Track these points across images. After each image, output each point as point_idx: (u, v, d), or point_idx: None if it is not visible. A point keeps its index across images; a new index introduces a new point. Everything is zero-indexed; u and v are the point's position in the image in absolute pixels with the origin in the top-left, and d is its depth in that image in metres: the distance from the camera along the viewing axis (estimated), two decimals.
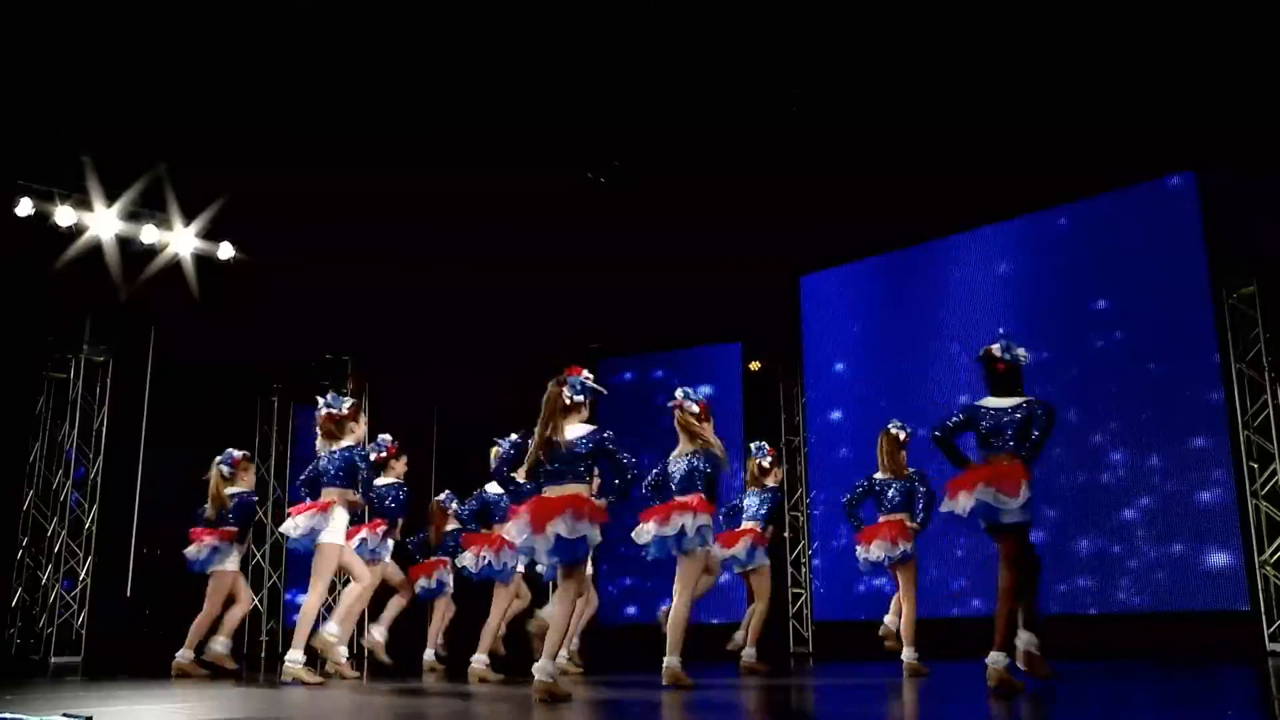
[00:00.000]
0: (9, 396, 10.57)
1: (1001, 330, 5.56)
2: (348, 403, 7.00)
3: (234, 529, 7.92)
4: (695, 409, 6.09)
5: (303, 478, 7.24)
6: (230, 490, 7.96)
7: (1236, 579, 8.32)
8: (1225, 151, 8.43)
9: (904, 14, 7.41)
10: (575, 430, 5.26)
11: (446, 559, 8.13)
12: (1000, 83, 8.14)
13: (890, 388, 10.66)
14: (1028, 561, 5.63)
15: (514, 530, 5.13)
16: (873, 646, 8.00)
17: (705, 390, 6.55)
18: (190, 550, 7.92)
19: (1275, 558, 8.38)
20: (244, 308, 10.81)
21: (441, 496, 8.38)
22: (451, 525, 8.15)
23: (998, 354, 5.33)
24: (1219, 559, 8.43)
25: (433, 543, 8.29)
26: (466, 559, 6.97)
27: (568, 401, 5.29)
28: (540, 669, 4.91)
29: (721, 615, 11.23)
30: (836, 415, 11.20)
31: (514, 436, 6.77)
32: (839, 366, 11.28)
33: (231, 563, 7.94)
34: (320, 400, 6.97)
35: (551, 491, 5.15)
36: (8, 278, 9.62)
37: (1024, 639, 6.01)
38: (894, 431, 7.09)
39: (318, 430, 7.00)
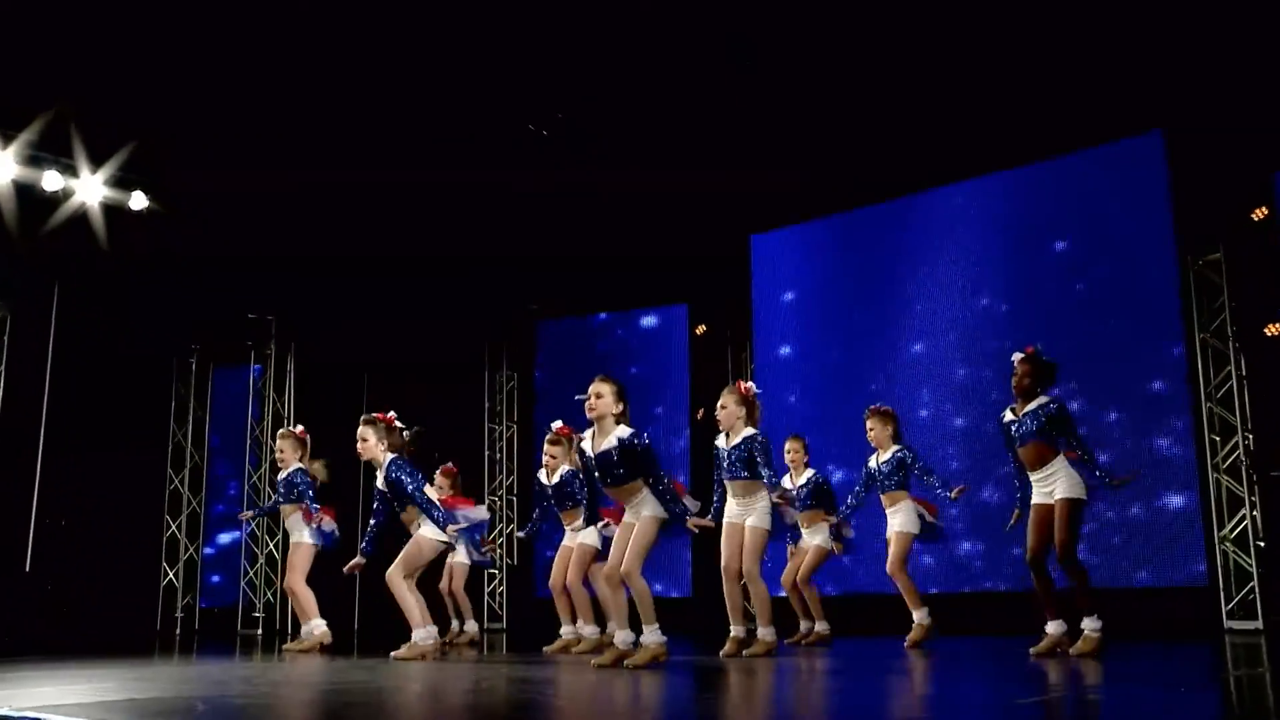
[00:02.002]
0: None
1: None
2: None
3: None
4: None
5: None
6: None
7: (1196, 552, 8.41)
8: (1196, 110, 8.43)
9: None
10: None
11: None
12: (961, 37, 8.09)
13: (846, 344, 10.67)
14: None
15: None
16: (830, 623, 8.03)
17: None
18: None
19: (1235, 532, 8.50)
20: (159, 262, 10.53)
21: None
22: None
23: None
24: (1179, 527, 8.50)
25: None
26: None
27: None
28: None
29: (664, 584, 11.22)
30: (785, 350, 11.19)
31: None
32: (789, 314, 11.23)
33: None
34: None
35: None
36: None
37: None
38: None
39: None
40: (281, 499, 8.06)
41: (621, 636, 5.71)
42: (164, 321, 11.80)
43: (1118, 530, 8.76)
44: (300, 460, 8.07)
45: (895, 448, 7.41)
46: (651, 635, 5.56)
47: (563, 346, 12.73)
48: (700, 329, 12.07)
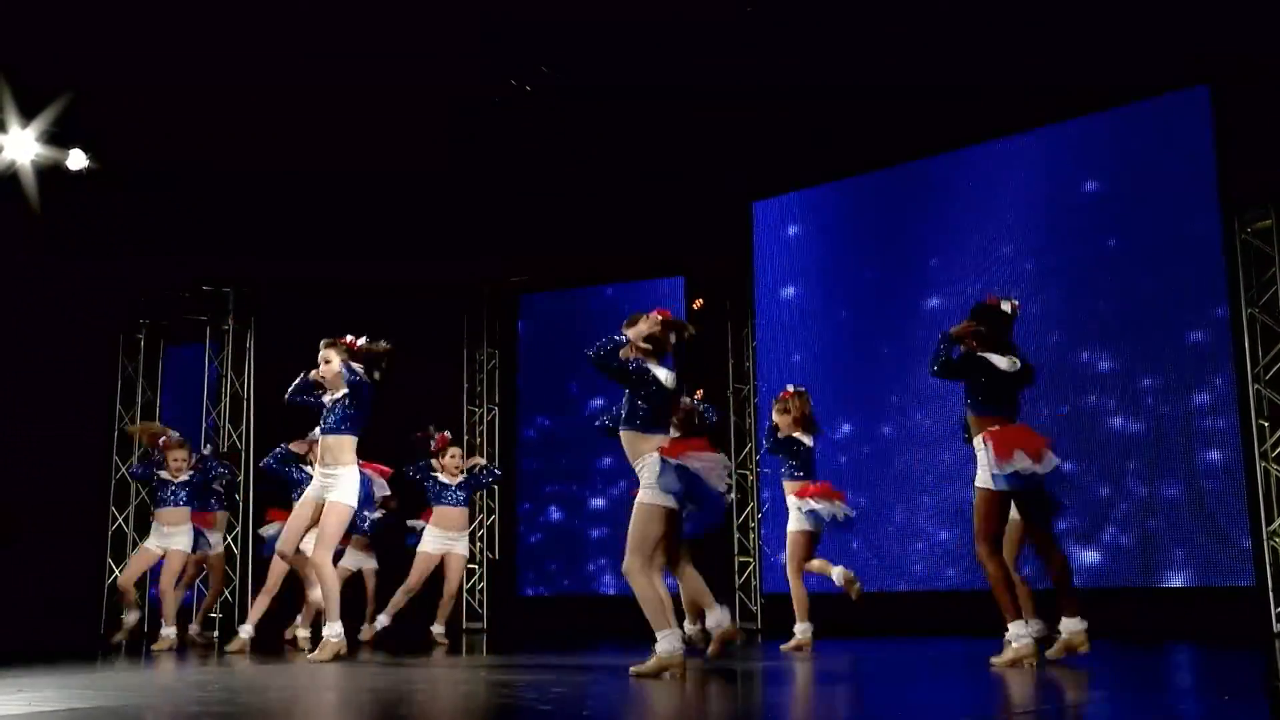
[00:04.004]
0: None
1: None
2: None
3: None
4: None
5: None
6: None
7: (1241, 548, 8.35)
8: (1247, 67, 8.33)
9: None
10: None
11: None
12: None
13: (854, 303, 10.72)
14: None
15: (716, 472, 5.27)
16: (827, 622, 8.01)
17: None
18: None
19: None
20: (103, 228, 10.40)
21: None
22: None
23: (1007, 309, 5.91)
24: (1221, 521, 8.45)
25: None
26: None
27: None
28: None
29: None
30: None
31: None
32: (793, 276, 11.23)
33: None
34: None
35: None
36: None
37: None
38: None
39: None
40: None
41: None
42: (108, 294, 11.68)
43: (1152, 514, 8.73)
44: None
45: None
46: (664, 643, 5.18)
47: (548, 322, 12.66)
48: (698, 303, 11.96)
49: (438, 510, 9.00)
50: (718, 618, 5.90)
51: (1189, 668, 5.95)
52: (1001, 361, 5.81)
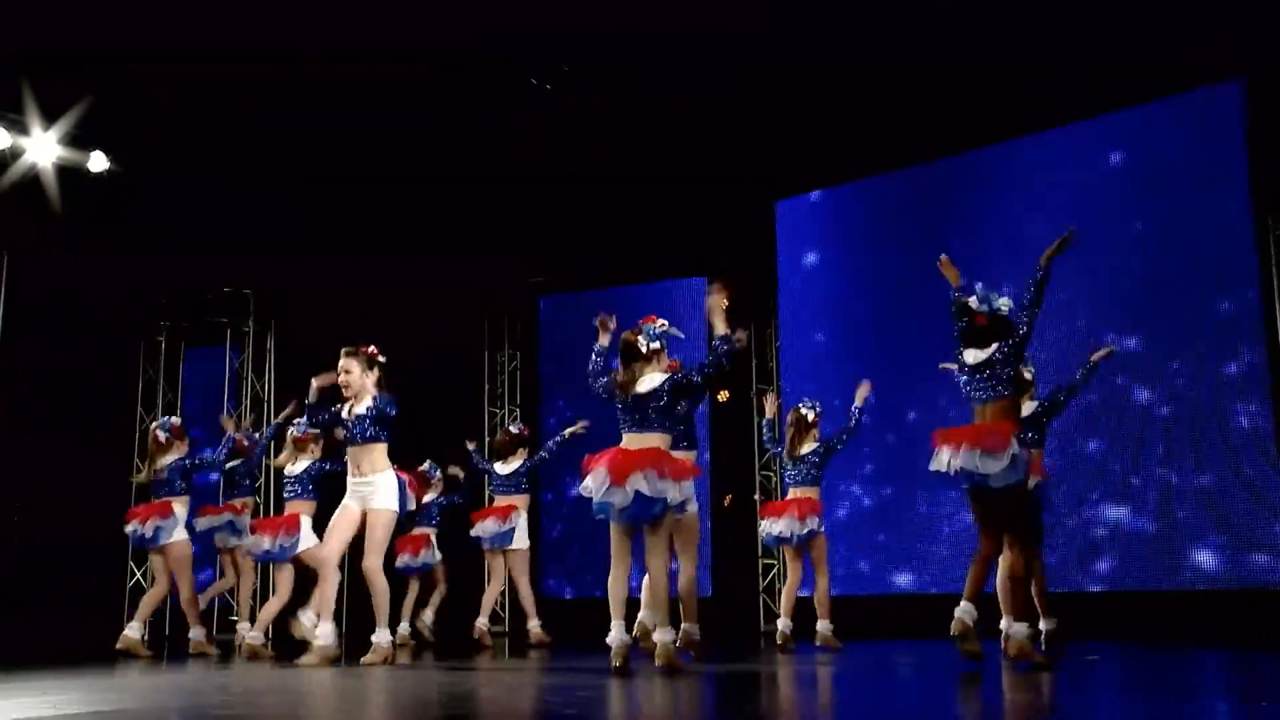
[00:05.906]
0: None
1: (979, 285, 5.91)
2: None
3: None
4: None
5: None
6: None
7: (1277, 550, 8.30)
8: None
9: None
10: (652, 380, 5.66)
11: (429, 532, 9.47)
12: None
13: (875, 292, 10.75)
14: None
15: (591, 484, 5.53)
16: (851, 624, 8.00)
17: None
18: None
19: None
20: (122, 229, 10.45)
21: (425, 466, 9.43)
22: (429, 496, 9.42)
23: (975, 306, 5.74)
24: (1254, 520, 8.41)
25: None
26: None
27: (644, 350, 5.67)
28: (660, 637, 5.55)
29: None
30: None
31: None
32: (812, 258, 11.27)
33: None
34: None
35: (632, 443, 5.60)
36: None
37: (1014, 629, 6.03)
38: (804, 412, 7.83)
39: None
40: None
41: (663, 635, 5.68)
42: (128, 295, 11.74)
43: (1183, 507, 8.71)
44: None
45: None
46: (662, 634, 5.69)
47: (568, 323, 12.65)
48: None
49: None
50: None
51: (1222, 671, 5.90)
52: (968, 354, 5.83)
